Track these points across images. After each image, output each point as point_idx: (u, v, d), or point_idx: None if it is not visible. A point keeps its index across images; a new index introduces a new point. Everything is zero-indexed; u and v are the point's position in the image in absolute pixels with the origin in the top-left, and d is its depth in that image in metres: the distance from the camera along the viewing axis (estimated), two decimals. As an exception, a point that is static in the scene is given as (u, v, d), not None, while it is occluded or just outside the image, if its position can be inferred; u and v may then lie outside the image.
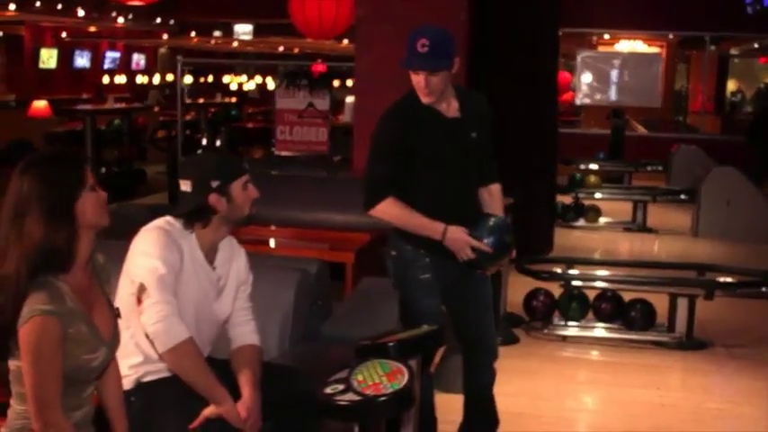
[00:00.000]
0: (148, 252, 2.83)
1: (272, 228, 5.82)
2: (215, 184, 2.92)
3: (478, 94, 3.86)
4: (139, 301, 2.77)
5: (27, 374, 2.32)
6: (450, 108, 3.66)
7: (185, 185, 2.95)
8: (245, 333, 3.09)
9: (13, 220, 2.36)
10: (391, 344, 2.91)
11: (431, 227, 3.59)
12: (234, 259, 3.10)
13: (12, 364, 2.40)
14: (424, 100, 3.58)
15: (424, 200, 3.63)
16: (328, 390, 2.65)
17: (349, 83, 18.32)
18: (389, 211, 3.61)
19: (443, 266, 3.69)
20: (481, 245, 3.54)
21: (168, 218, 2.97)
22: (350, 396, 2.61)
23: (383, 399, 2.59)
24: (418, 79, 3.55)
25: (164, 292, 2.78)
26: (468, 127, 3.68)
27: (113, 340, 2.57)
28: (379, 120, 3.68)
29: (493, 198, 3.85)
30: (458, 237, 3.57)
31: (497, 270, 3.87)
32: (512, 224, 5.96)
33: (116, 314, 2.61)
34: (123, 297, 2.83)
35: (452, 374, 4.73)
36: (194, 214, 2.94)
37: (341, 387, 2.65)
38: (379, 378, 2.67)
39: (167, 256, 2.83)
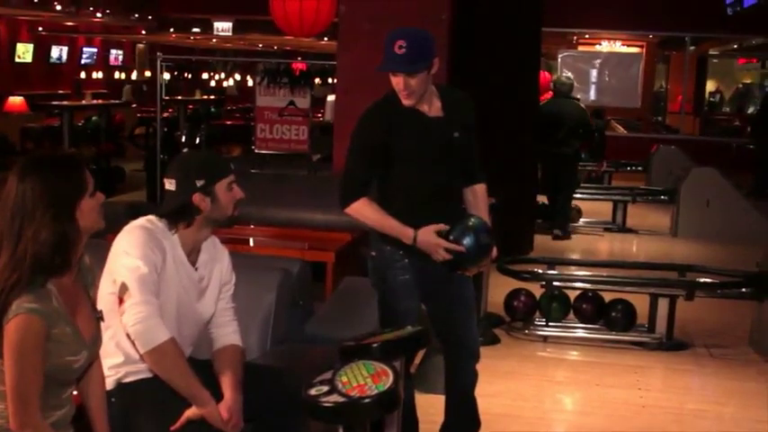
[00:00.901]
0: (130, 251, 2.79)
1: (252, 226, 5.78)
2: (199, 183, 2.89)
3: (461, 93, 3.83)
4: (121, 300, 2.74)
5: (8, 371, 2.31)
6: (433, 108, 3.62)
7: (170, 184, 2.91)
8: (227, 333, 3.07)
9: (11, 221, 2.34)
10: (375, 345, 2.89)
11: (401, 231, 3.55)
12: (217, 260, 3.07)
13: None
14: (405, 102, 3.53)
15: (405, 199, 3.60)
16: (313, 391, 2.63)
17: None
18: (363, 211, 3.58)
19: (423, 267, 3.65)
20: (454, 246, 3.50)
21: (150, 217, 2.94)
22: (335, 397, 2.58)
23: (368, 400, 2.57)
24: (397, 81, 3.50)
25: (145, 291, 2.74)
26: (450, 126, 3.64)
27: (95, 343, 2.55)
28: (358, 119, 3.64)
29: (477, 198, 3.81)
30: (428, 240, 3.52)
31: (478, 271, 3.84)
32: (492, 224, 5.98)
33: (98, 317, 2.57)
34: (104, 296, 2.79)
35: (433, 375, 4.71)
36: (178, 213, 2.91)
37: (325, 388, 2.62)
38: (364, 379, 2.64)
39: (149, 256, 2.80)
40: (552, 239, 9.72)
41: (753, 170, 13.56)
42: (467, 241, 3.50)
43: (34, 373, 2.31)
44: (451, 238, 3.50)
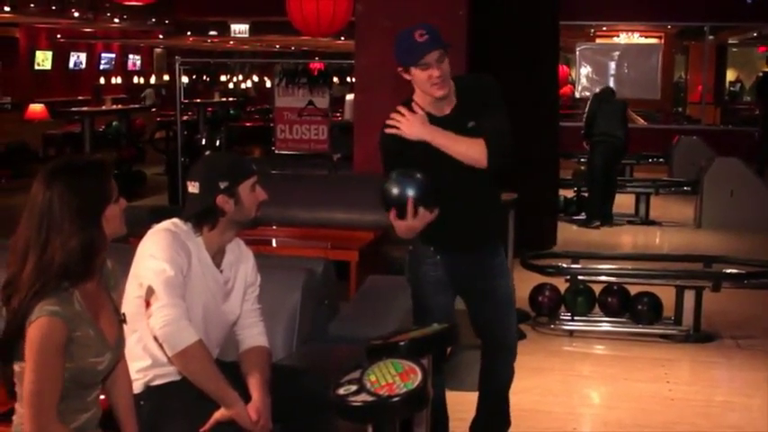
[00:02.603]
0: (156, 254, 2.79)
1: (274, 227, 5.78)
2: (223, 185, 2.89)
3: (469, 77, 3.78)
4: (148, 303, 2.74)
5: (28, 374, 2.31)
6: (450, 103, 3.57)
7: (193, 187, 2.91)
8: (253, 335, 3.06)
9: (38, 229, 2.34)
10: (403, 343, 2.87)
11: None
12: (241, 261, 3.07)
13: (18, 366, 2.38)
14: (438, 93, 3.41)
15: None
16: (341, 390, 2.61)
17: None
18: None
19: (455, 262, 3.64)
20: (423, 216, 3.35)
21: (175, 220, 2.93)
22: (363, 397, 2.57)
23: (397, 399, 2.55)
24: (430, 73, 3.37)
25: (172, 294, 2.74)
26: (465, 118, 3.51)
27: (118, 345, 2.56)
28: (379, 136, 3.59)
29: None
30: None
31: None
32: (515, 219, 5.96)
33: (122, 320, 2.58)
34: (130, 300, 2.80)
35: (463, 372, 4.71)
36: (202, 216, 2.90)
37: (354, 388, 2.61)
38: (393, 378, 2.62)
39: (175, 258, 2.79)
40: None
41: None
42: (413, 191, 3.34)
43: (54, 378, 2.31)
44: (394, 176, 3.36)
